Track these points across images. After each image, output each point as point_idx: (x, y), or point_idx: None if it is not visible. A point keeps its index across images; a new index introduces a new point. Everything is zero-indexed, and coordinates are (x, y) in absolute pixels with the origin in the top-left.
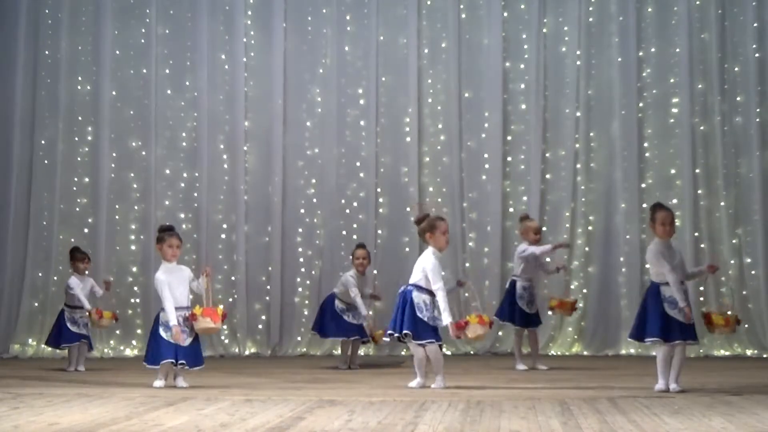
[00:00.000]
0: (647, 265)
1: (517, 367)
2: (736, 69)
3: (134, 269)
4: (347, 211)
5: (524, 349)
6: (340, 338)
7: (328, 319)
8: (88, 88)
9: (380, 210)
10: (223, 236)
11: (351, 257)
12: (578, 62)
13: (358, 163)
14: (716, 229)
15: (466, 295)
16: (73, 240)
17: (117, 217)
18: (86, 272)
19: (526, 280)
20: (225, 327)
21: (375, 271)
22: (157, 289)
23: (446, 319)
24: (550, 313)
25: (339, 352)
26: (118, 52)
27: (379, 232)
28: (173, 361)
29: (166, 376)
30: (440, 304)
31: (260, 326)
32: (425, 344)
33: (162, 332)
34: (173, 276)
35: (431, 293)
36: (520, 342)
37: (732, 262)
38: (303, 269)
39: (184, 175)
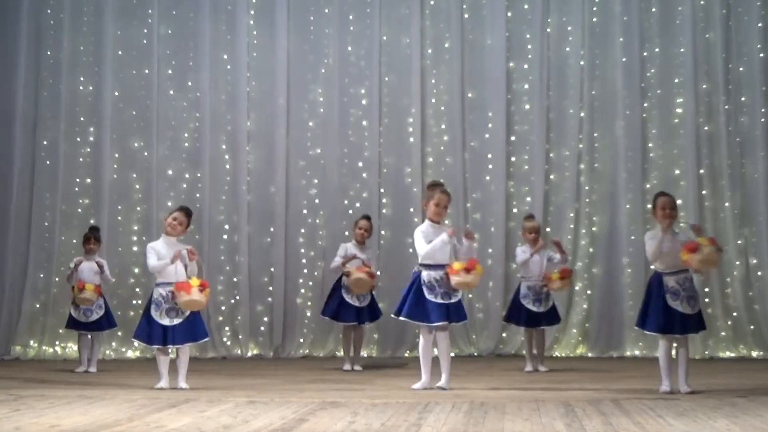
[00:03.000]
0: (652, 266)
1: (526, 369)
2: (741, 69)
3: (136, 270)
4: (350, 211)
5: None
6: (339, 322)
7: (333, 300)
8: (90, 88)
9: (383, 210)
10: (225, 237)
11: (353, 226)
12: (582, 62)
13: (360, 164)
14: (721, 230)
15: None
16: (74, 241)
17: (119, 217)
18: (95, 253)
19: (530, 279)
20: (227, 329)
21: (378, 273)
22: (147, 254)
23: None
24: (552, 291)
25: (341, 353)
26: (120, 52)
27: (383, 233)
28: (161, 345)
29: (168, 373)
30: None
31: (262, 328)
32: (434, 327)
33: (153, 312)
34: (167, 248)
35: (441, 267)
36: (531, 343)
37: (737, 263)
38: (305, 270)
39: (186, 175)
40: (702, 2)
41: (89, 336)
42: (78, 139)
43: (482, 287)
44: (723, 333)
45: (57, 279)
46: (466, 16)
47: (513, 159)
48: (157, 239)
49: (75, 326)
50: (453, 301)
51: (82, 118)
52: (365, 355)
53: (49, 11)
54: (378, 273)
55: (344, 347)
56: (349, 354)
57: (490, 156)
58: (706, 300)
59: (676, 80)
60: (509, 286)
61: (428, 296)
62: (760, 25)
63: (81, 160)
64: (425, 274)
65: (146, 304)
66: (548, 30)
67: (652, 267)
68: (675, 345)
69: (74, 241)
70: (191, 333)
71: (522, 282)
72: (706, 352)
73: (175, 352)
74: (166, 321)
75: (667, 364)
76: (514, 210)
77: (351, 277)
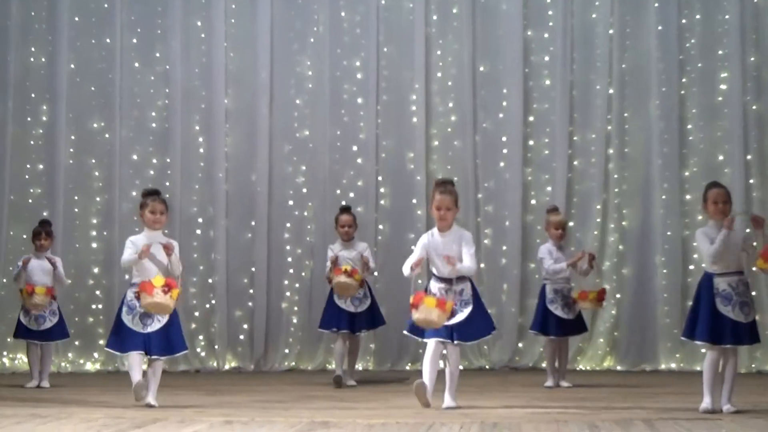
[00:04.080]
0: (691, 266)
1: (546, 383)
2: None
3: (96, 270)
4: (343, 202)
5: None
6: (331, 330)
7: (326, 309)
8: (43, 60)
9: (381, 202)
10: (198, 232)
11: (335, 224)
12: (611, 31)
13: (355, 148)
14: None
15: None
16: (24, 236)
17: (76, 209)
18: (46, 250)
19: (557, 281)
20: (201, 338)
21: (375, 273)
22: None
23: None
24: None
25: (332, 366)
26: (77, 18)
27: (380, 227)
28: (142, 352)
29: (141, 370)
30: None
31: (242, 336)
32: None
33: (125, 316)
34: (151, 242)
35: (448, 281)
36: (554, 355)
37: None
38: (291, 270)
39: (154, 161)
40: None
41: (40, 346)
42: (29, 119)
43: (495, 291)
44: None
45: (5, 280)
46: None
47: (531, 143)
48: (120, 233)
49: (25, 335)
50: (458, 320)
51: (33, 95)
52: (361, 368)
53: None
54: (375, 273)
55: (336, 362)
56: (341, 366)
57: (504, 139)
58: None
59: (720, 52)
60: (526, 289)
61: None
62: None
63: (32, 142)
64: (432, 284)
65: (118, 308)
66: None
67: (703, 266)
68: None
69: (24, 236)
70: (168, 344)
71: (547, 284)
72: (753, 366)
73: (146, 362)
74: (138, 328)
75: (712, 379)
76: (533, 201)
77: (332, 282)
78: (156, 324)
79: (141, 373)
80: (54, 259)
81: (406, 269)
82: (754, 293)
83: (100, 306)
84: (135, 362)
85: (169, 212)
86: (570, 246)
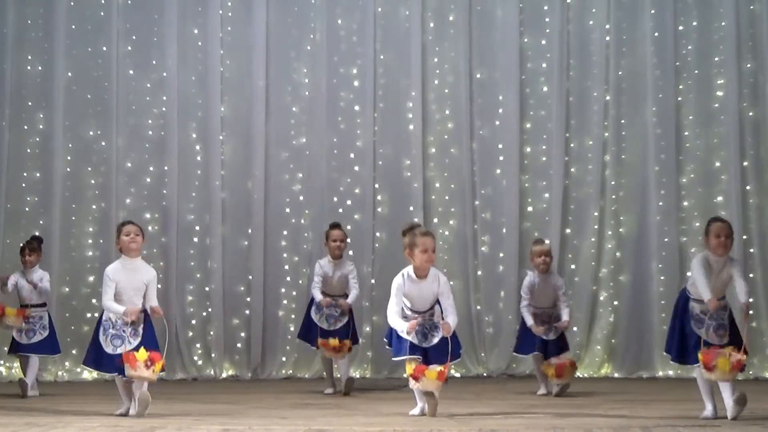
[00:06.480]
0: (688, 273)
1: (539, 392)
2: None
3: (91, 279)
4: (340, 210)
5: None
6: (313, 345)
7: (303, 321)
8: (39, 68)
9: (378, 209)
10: (195, 240)
11: (325, 239)
12: (608, 37)
13: (352, 155)
14: None
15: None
16: (21, 245)
17: (72, 217)
18: (33, 266)
19: (538, 307)
20: (198, 346)
21: (373, 281)
22: (103, 283)
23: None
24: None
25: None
26: (73, 26)
27: (377, 234)
28: (113, 374)
29: (130, 397)
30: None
31: (239, 344)
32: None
33: (100, 335)
34: (126, 275)
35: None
36: (542, 364)
37: None
38: (288, 278)
39: (151, 168)
40: None
41: (30, 358)
42: (25, 127)
43: (492, 298)
44: None
45: None
46: None
47: (528, 149)
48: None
49: (17, 349)
50: (432, 344)
51: (29, 103)
52: (358, 376)
53: None
54: (372, 281)
55: (325, 368)
56: (332, 376)
57: (501, 146)
58: (750, 312)
59: (716, 58)
60: None
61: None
62: None
63: (29, 151)
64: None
65: (95, 328)
66: (568, 0)
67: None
68: None
69: (21, 244)
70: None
71: (530, 309)
72: (750, 372)
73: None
74: (110, 349)
75: (706, 388)
76: (529, 208)
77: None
78: (128, 345)
79: (129, 396)
80: (35, 281)
81: (395, 323)
82: (751, 300)
83: (96, 314)
84: (121, 387)
85: (145, 238)
86: (561, 274)
